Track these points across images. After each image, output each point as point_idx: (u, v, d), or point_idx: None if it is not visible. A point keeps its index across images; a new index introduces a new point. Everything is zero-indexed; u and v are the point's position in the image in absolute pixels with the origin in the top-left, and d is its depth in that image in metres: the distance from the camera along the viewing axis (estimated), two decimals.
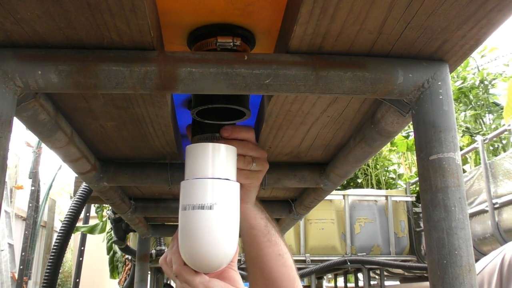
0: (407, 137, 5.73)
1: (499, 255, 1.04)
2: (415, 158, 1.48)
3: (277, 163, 0.98)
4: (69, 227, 1.78)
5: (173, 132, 0.80)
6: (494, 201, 3.55)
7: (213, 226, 0.66)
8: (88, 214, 4.60)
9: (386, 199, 4.60)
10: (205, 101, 0.69)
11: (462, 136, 5.47)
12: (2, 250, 5.52)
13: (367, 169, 5.72)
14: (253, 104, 0.77)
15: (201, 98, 0.70)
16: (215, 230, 0.66)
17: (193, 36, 0.67)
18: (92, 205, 4.45)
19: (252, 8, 0.60)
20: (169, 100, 0.71)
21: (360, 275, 5.26)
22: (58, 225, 5.98)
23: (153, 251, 3.58)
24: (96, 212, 4.69)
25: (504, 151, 4.80)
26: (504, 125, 4.75)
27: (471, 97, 5.87)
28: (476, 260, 0.64)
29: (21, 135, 6.62)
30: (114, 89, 0.54)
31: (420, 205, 1.15)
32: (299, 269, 4.22)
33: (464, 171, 4.29)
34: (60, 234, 1.78)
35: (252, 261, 0.86)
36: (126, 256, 3.95)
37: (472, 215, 3.80)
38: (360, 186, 5.61)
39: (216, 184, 0.68)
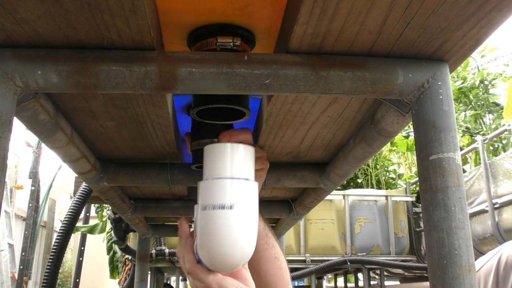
0: (407, 137, 5.72)
1: (496, 255, 1.04)
2: (415, 158, 1.48)
3: (277, 163, 0.98)
4: (69, 227, 1.78)
5: (173, 132, 0.80)
6: (494, 201, 3.55)
7: (233, 226, 0.66)
8: (88, 214, 4.60)
9: (386, 199, 4.59)
10: (205, 101, 0.69)
11: (462, 136, 5.47)
12: (2, 250, 5.52)
13: (367, 169, 5.72)
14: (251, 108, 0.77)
15: (201, 98, 0.70)
16: (235, 230, 0.66)
17: (193, 36, 0.67)
18: (92, 205, 4.45)
19: (252, 8, 0.60)
20: (169, 100, 0.71)
21: (360, 275, 5.26)
22: (58, 225, 5.98)
23: (153, 251, 3.58)
24: (96, 212, 4.69)
25: (504, 151, 4.80)
26: (504, 125, 4.75)
27: (471, 97, 5.87)
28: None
29: (21, 135, 6.62)
30: (114, 89, 0.54)
31: (420, 205, 1.14)
32: (299, 269, 4.22)
33: (464, 171, 4.29)
34: (60, 234, 1.78)
35: (248, 264, 0.86)
36: (126, 256, 3.95)
37: (472, 215, 3.79)
38: (360, 186, 5.61)
39: (235, 184, 0.68)
